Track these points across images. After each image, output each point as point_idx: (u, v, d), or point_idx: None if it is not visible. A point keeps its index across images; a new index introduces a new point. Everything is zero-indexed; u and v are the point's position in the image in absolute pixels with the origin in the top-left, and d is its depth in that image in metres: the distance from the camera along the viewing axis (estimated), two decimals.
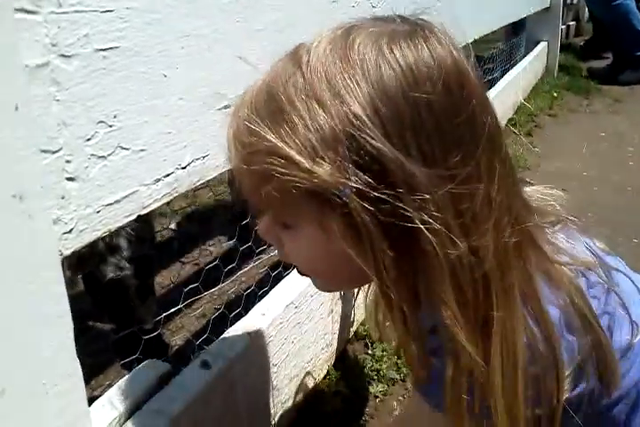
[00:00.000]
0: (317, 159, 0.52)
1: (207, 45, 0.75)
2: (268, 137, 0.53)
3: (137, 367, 0.91)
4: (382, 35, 0.54)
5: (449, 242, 0.53)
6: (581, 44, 5.80)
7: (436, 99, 0.52)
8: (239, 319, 1.11)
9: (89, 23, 0.58)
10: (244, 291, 1.45)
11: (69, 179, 0.58)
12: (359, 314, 1.55)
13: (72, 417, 0.49)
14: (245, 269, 1.68)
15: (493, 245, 0.55)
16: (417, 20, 0.57)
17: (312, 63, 0.54)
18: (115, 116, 0.63)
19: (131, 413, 0.85)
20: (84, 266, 1.30)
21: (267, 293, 1.21)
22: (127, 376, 0.89)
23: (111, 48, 0.61)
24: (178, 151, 0.73)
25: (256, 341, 1.06)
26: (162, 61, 0.68)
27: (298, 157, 0.52)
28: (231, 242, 1.93)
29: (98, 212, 0.62)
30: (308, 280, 1.23)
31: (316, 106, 0.52)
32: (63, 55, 0.55)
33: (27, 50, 0.51)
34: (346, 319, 1.46)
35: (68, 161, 0.57)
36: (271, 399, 1.13)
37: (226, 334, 1.05)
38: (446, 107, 0.53)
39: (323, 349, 1.34)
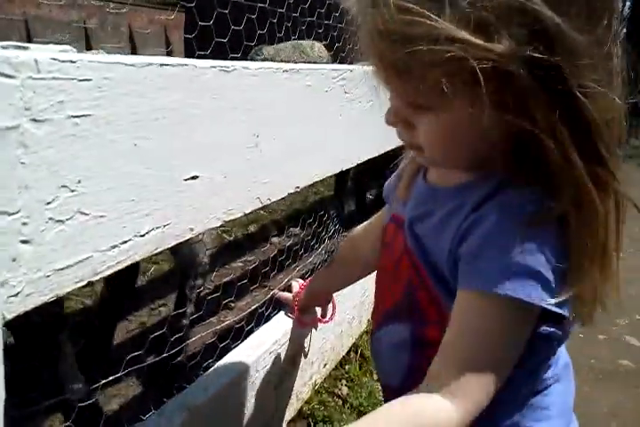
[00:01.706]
0: (494, 36, 0.55)
1: (182, 119, 0.77)
2: (436, 24, 0.55)
3: None
4: None
5: (606, 104, 0.59)
6: None
7: None
8: (180, 391, 1.08)
9: (65, 90, 0.59)
10: (188, 362, 1.41)
11: (24, 241, 0.57)
12: (305, 392, 1.52)
13: None
14: (193, 339, 1.64)
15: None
16: None
17: None
18: (79, 182, 0.63)
19: None
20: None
21: (211, 365, 1.19)
22: None
23: (84, 115, 0.61)
24: (138, 219, 0.73)
25: (197, 415, 1.02)
26: (134, 131, 0.69)
27: (472, 39, 0.55)
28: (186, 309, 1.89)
29: (48, 276, 0.61)
30: (254, 355, 1.21)
31: None
32: (35, 119, 0.56)
33: None
34: (290, 397, 1.43)
35: (24, 223, 0.57)
36: None
37: (163, 408, 1.01)
38: None
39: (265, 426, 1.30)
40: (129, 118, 0.68)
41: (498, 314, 0.63)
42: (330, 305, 1.33)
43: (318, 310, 1.37)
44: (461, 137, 0.65)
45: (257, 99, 0.95)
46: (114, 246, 0.70)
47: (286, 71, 1.04)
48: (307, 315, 1.35)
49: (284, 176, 1.10)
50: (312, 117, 1.15)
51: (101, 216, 0.67)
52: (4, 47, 0.54)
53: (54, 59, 0.57)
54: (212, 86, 0.82)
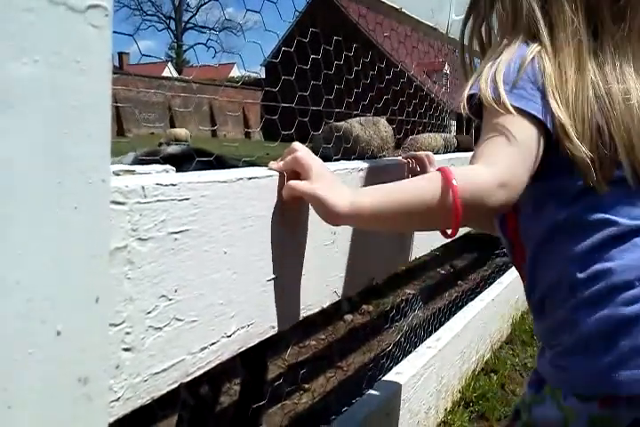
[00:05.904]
0: None
1: (267, 224, 0.82)
2: None
3: None
4: None
5: None
6: None
7: None
8: None
9: (167, 210, 0.65)
10: None
11: (126, 349, 0.62)
12: None
13: None
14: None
15: None
16: None
17: None
18: (175, 291, 0.68)
19: None
20: None
21: None
22: None
23: (182, 231, 0.68)
24: (225, 321, 0.78)
25: None
26: (224, 240, 0.75)
27: None
28: None
29: (145, 380, 0.65)
30: None
31: None
32: (140, 238, 0.62)
33: (110, 236, 0.58)
34: None
35: (127, 333, 0.62)
36: None
37: None
38: None
39: None
40: (220, 229, 0.74)
41: None
42: None
43: None
44: None
45: None
46: (203, 348, 0.74)
47: (362, 170, 1.09)
48: None
49: (360, 270, 1.14)
50: None
51: (193, 321, 0.72)
52: (116, 173, 0.60)
53: (158, 184, 0.64)
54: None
